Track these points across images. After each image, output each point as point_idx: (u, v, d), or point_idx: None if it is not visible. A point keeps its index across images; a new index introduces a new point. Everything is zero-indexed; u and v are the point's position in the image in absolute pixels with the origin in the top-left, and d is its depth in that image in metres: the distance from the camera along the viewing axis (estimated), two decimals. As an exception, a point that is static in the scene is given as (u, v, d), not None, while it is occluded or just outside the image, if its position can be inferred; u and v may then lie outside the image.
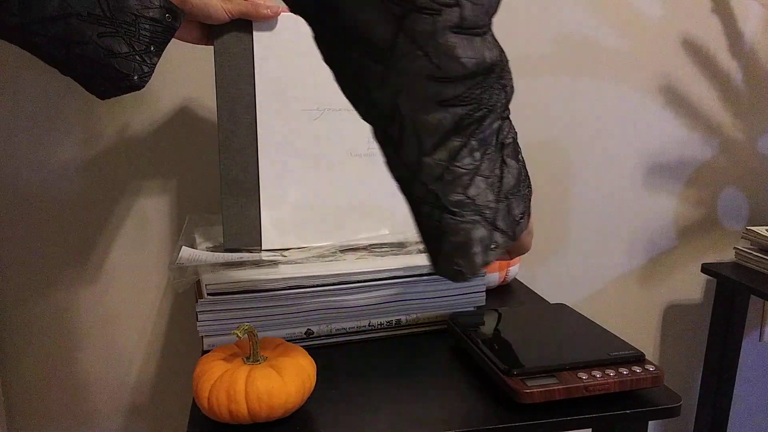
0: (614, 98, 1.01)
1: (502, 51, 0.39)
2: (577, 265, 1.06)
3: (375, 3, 0.33)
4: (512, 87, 0.41)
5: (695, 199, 1.08)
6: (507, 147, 0.43)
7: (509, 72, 0.41)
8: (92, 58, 0.56)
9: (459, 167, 0.39)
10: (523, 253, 0.51)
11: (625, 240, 1.07)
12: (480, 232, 0.42)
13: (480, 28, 0.36)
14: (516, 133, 0.44)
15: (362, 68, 0.36)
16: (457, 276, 0.44)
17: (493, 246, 0.44)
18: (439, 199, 0.40)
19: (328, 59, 0.39)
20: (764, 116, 1.07)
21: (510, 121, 0.43)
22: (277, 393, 0.47)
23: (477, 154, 0.40)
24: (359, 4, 0.34)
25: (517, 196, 0.45)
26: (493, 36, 0.38)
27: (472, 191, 0.41)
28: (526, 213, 0.46)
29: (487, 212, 0.42)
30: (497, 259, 0.48)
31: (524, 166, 0.46)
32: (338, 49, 0.37)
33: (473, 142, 0.39)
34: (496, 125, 0.41)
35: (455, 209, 0.41)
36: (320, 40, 0.39)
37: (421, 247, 0.71)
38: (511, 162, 0.44)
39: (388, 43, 0.35)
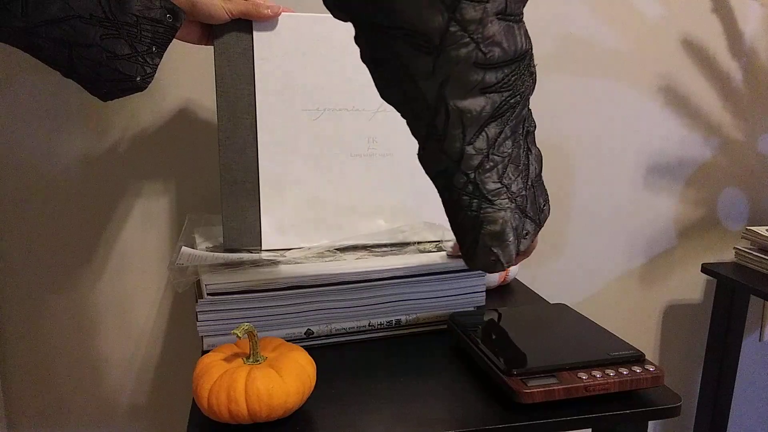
0: (614, 98, 1.01)
1: (530, 39, 0.40)
2: (577, 265, 1.06)
3: None
4: (536, 75, 0.42)
5: (695, 199, 1.08)
6: (530, 134, 0.44)
7: (534, 59, 0.41)
8: (95, 60, 0.56)
9: (496, 155, 0.40)
10: (529, 254, 0.52)
11: (625, 240, 1.07)
12: (514, 220, 0.43)
13: (517, 16, 0.38)
14: (535, 122, 0.45)
15: (409, 61, 0.37)
16: (494, 265, 0.44)
17: (525, 233, 0.44)
18: (478, 188, 0.41)
19: (370, 56, 0.40)
20: (764, 116, 1.07)
21: (530, 110, 0.44)
22: (277, 393, 0.47)
23: (509, 142, 0.41)
24: None
25: (540, 184, 0.46)
26: (524, 24, 0.39)
27: (506, 179, 0.42)
28: (548, 201, 0.47)
29: (519, 200, 0.43)
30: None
31: None
32: (383, 44, 0.37)
33: (507, 130, 0.40)
34: (524, 112, 0.42)
35: (493, 198, 0.41)
36: (363, 38, 0.39)
37: (421, 246, 0.71)
38: (534, 149, 0.44)
39: (440, 33, 0.35)
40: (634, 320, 1.12)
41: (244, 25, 0.65)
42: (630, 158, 1.04)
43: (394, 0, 0.35)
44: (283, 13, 0.66)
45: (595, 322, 0.62)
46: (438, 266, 0.66)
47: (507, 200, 0.42)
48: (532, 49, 0.40)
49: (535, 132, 0.46)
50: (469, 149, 0.40)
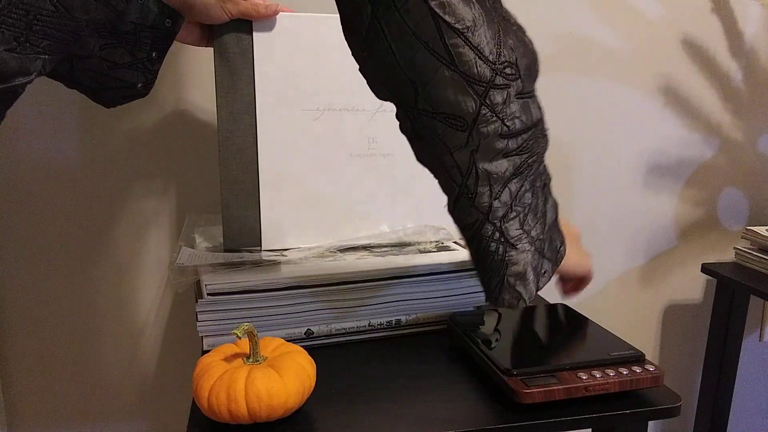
0: (614, 98, 1.01)
1: (542, 108, 0.47)
2: (577, 265, 1.06)
3: (462, 86, 0.42)
4: (548, 136, 0.49)
5: (695, 199, 1.08)
6: (547, 186, 0.50)
7: (546, 124, 0.48)
8: (96, 71, 0.56)
9: (518, 206, 0.47)
10: (590, 278, 0.60)
11: (625, 240, 1.07)
12: (534, 261, 0.49)
13: (531, 93, 0.46)
14: (551, 175, 0.51)
15: (446, 136, 0.44)
16: (518, 302, 0.49)
17: (543, 272, 0.50)
18: (503, 235, 0.47)
19: (410, 131, 0.47)
20: (764, 116, 1.07)
21: (546, 164, 0.50)
22: (277, 393, 0.47)
23: (528, 194, 0.47)
24: (450, 89, 0.42)
25: (557, 229, 0.52)
26: (537, 97, 0.46)
27: (526, 226, 0.48)
28: (563, 243, 0.53)
29: (537, 243, 0.49)
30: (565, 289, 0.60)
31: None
32: (423, 123, 0.44)
33: (526, 184, 0.47)
34: (541, 168, 0.49)
35: (515, 243, 0.47)
36: (404, 116, 0.46)
37: (421, 246, 0.71)
38: (551, 199, 0.51)
39: (473, 115, 0.43)
40: (634, 320, 1.12)
41: (243, 25, 0.65)
42: (630, 158, 1.04)
43: (435, 90, 0.42)
44: (283, 13, 0.66)
45: (595, 322, 0.62)
46: (438, 266, 0.66)
47: (527, 244, 0.48)
48: (543, 115, 0.47)
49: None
50: (496, 203, 0.46)
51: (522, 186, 0.47)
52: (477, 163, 0.45)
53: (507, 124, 0.44)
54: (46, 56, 0.44)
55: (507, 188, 0.46)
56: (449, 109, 0.43)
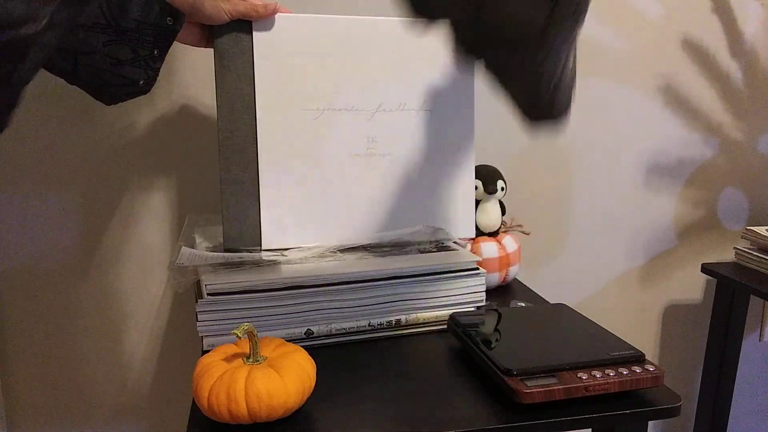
0: (614, 98, 1.01)
1: None
2: (577, 265, 1.06)
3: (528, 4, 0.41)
4: None
5: (695, 199, 1.08)
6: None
7: None
8: (99, 68, 0.56)
9: (565, 75, 0.48)
10: None
11: (625, 240, 1.07)
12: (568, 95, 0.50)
13: None
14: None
15: (523, 59, 0.44)
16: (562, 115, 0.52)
17: (573, 92, 0.52)
18: (552, 106, 0.49)
19: (492, 66, 0.46)
20: (764, 116, 1.07)
21: None
22: (277, 393, 0.47)
23: (571, 53, 0.48)
24: (515, 5, 0.41)
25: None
26: None
27: (568, 79, 0.49)
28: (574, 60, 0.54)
29: (573, 81, 0.51)
30: None
31: None
32: (500, 56, 0.44)
33: (572, 54, 0.48)
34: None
35: (561, 100, 0.49)
36: (489, 63, 0.45)
37: (421, 246, 0.71)
38: (577, 36, 0.50)
39: (540, 31, 0.42)
40: (634, 320, 1.12)
41: (243, 25, 0.65)
42: (630, 158, 1.04)
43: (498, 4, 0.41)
44: (283, 13, 0.66)
45: (595, 322, 0.62)
46: (438, 266, 0.66)
47: (566, 91, 0.49)
48: None
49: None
50: (553, 92, 0.47)
51: (569, 56, 0.47)
52: (542, 70, 0.45)
53: (577, 30, 0.43)
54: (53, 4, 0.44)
55: (562, 67, 0.46)
56: (515, 25, 0.42)
